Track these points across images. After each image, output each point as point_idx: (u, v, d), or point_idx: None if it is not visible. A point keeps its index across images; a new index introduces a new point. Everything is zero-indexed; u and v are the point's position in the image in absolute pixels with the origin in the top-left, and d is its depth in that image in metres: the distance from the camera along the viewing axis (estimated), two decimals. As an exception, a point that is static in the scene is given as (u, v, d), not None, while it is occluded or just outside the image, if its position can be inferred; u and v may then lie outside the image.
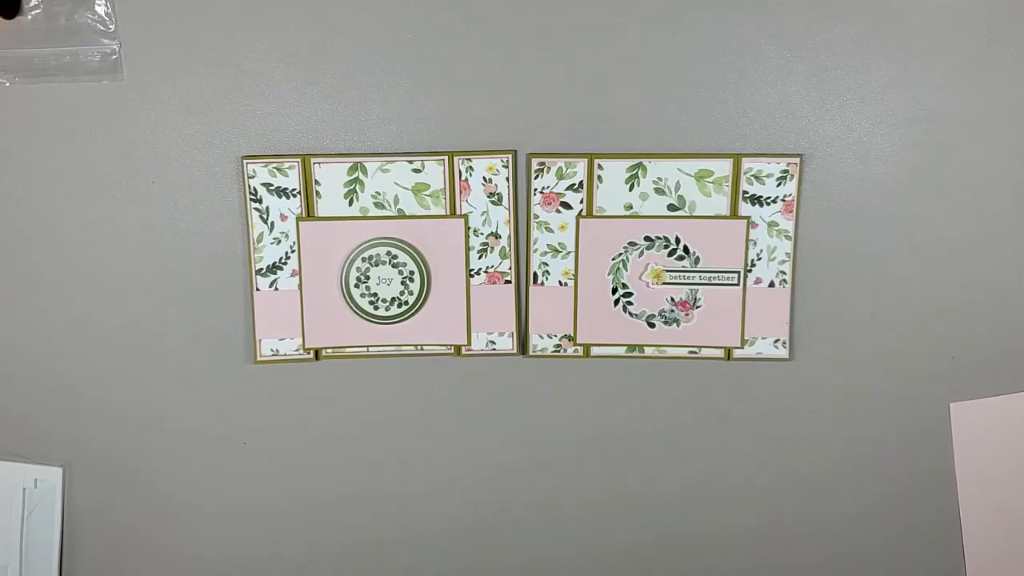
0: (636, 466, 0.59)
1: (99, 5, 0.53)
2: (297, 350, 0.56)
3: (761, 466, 0.58)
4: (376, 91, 0.55)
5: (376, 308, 0.55)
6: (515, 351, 0.56)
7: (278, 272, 0.56)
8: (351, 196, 0.55)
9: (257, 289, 0.56)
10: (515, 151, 0.55)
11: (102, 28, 0.53)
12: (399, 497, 0.59)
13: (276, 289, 0.56)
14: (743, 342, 0.55)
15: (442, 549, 0.59)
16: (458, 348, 0.56)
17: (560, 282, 0.56)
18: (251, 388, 0.57)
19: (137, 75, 0.54)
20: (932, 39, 0.54)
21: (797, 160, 0.54)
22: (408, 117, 0.55)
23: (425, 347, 0.57)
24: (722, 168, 0.55)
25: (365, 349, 0.57)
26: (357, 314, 0.55)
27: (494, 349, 0.56)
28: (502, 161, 0.55)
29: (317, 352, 0.56)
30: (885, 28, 0.54)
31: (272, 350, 0.56)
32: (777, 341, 0.56)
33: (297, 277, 0.55)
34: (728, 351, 0.56)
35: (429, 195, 0.55)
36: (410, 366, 0.57)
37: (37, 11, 0.53)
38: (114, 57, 0.54)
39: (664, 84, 0.55)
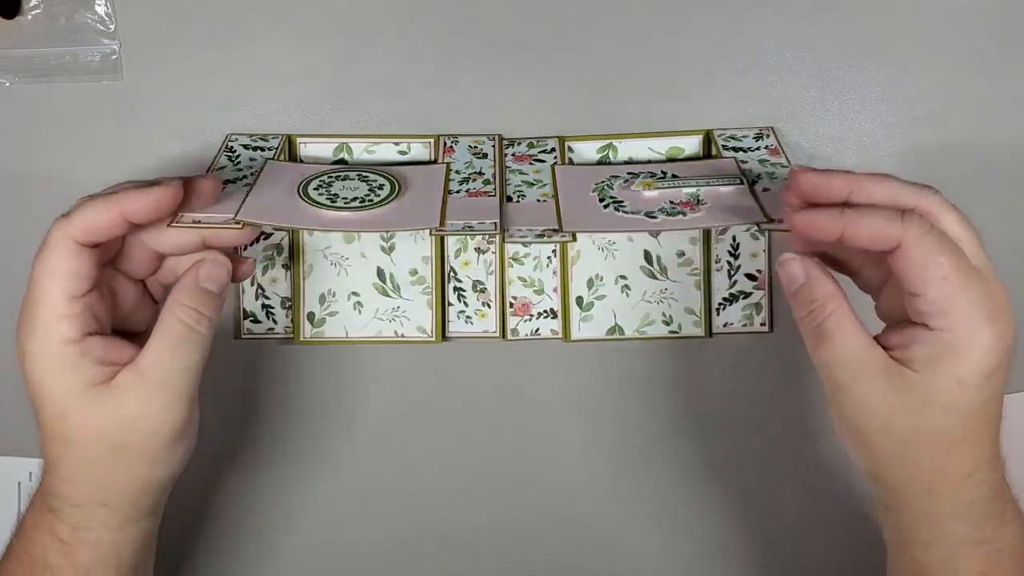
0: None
1: (99, 5, 0.53)
2: (226, 220, 0.46)
3: (760, 455, 0.58)
4: (372, 89, 0.55)
5: (335, 202, 0.48)
6: (496, 230, 0.48)
7: (228, 186, 0.49)
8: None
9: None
10: (499, 135, 0.55)
11: (102, 28, 0.53)
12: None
13: (224, 189, 0.48)
14: (770, 219, 0.46)
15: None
16: (431, 231, 0.49)
17: (537, 199, 0.51)
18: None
19: (137, 75, 0.55)
20: (932, 39, 0.54)
21: (770, 129, 0.54)
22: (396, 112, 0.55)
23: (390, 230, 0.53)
24: (692, 145, 0.55)
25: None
26: (309, 203, 0.47)
27: (471, 229, 0.48)
28: (488, 138, 0.55)
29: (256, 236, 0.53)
30: (885, 28, 0.54)
31: (194, 219, 0.46)
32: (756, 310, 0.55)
33: (249, 187, 0.49)
34: (708, 327, 0.55)
35: None
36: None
37: (37, 11, 0.53)
38: (114, 57, 0.54)
39: (663, 84, 0.55)
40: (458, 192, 0.50)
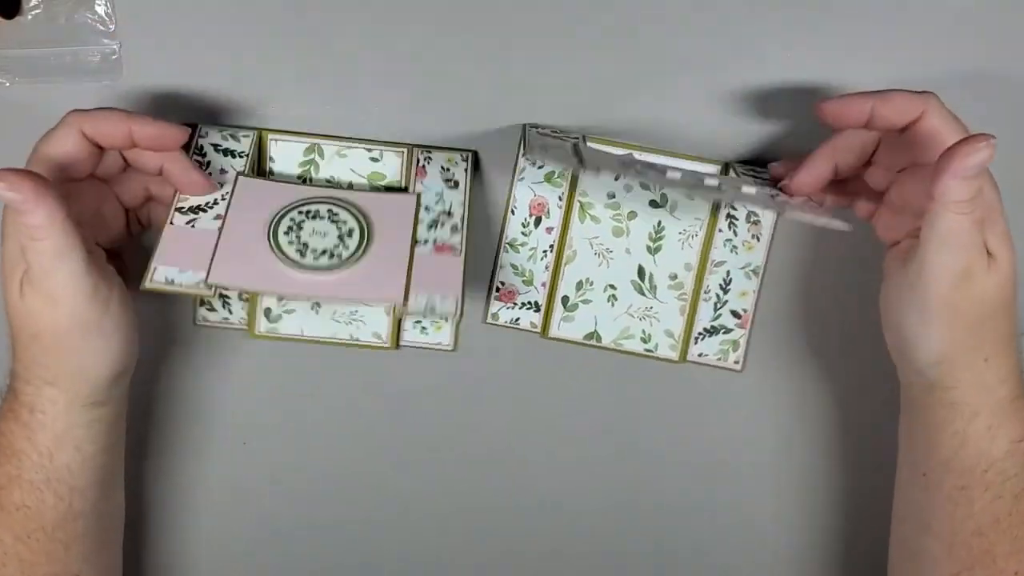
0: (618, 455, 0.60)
1: (99, 5, 0.52)
2: (198, 284, 0.48)
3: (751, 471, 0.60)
4: (371, 89, 0.55)
5: (304, 256, 0.49)
6: (457, 314, 0.50)
7: (200, 214, 0.50)
8: (305, 177, 0.55)
9: (171, 223, 0.50)
10: (475, 151, 0.55)
11: (102, 28, 0.53)
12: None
13: (192, 227, 0.50)
14: None
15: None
16: (394, 309, 0.53)
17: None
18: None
19: (137, 75, 0.54)
20: (932, 39, 0.54)
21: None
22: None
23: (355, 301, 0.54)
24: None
25: (280, 302, 0.55)
26: (280, 259, 0.49)
27: (433, 309, 0.49)
28: (461, 155, 0.55)
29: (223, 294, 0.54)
30: (885, 28, 0.54)
31: (167, 278, 0.48)
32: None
33: (220, 221, 0.50)
34: (683, 353, 0.57)
35: (384, 184, 0.55)
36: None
37: (37, 11, 0.52)
38: (114, 57, 0.53)
39: (662, 85, 0.55)
40: (426, 243, 0.51)
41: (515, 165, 0.55)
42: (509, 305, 0.57)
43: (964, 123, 0.46)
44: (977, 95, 0.54)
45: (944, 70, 0.54)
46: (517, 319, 0.57)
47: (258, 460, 0.59)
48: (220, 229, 0.49)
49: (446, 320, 0.54)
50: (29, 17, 0.52)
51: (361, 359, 0.57)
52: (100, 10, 0.52)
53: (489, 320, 0.57)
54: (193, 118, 0.54)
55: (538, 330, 0.57)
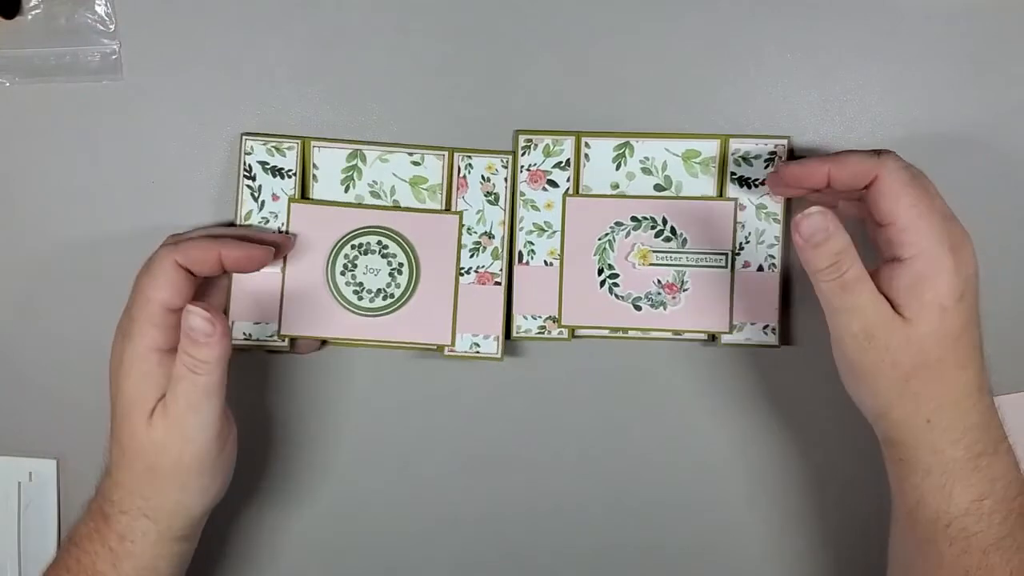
0: (623, 454, 0.58)
1: (99, 5, 0.53)
2: (272, 336, 0.54)
3: (760, 461, 0.58)
4: (375, 90, 0.55)
5: (360, 299, 0.54)
6: (499, 355, 0.55)
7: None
8: (348, 183, 0.54)
9: None
10: (514, 152, 0.55)
11: (102, 28, 0.53)
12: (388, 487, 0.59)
13: (257, 269, 0.53)
14: (732, 328, 0.54)
15: (434, 540, 0.59)
16: (441, 347, 0.55)
17: (545, 262, 0.55)
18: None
19: (137, 75, 0.55)
20: (932, 39, 0.54)
21: (784, 142, 0.54)
22: (408, 113, 0.55)
23: (408, 344, 0.55)
24: (709, 149, 0.55)
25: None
26: (340, 303, 0.54)
27: (478, 352, 0.55)
28: (502, 161, 0.55)
29: (293, 340, 0.55)
30: (885, 28, 0.54)
31: (245, 334, 0.54)
32: (767, 327, 0.54)
33: (280, 260, 0.54)
34: (716, 336, 0.55)
35: (426, 189, 0.55)
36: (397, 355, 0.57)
37: (37, 11, 0.53)
38: (114, 57, 0.54)
39: (662, 86, 0.55)
40: (468, 272, 0.54)
41: (514, 182, 0.55)
42: (529, 316, 0.55)
43: (923, 180, 0.45)
44: (974, 95, 0.55)
45: (940, 71, 0.55)
46: (543, 328, 0.55)
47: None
48: (283, 271, 0.53)
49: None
50: (29, 17, 0.53)
51: (363, 359, 0.57)
52: (100, 10, 0.53)
53: (516, 335, 0.55)
54: (192, 117, 0.55)
55: (565, 336, 0.55)
